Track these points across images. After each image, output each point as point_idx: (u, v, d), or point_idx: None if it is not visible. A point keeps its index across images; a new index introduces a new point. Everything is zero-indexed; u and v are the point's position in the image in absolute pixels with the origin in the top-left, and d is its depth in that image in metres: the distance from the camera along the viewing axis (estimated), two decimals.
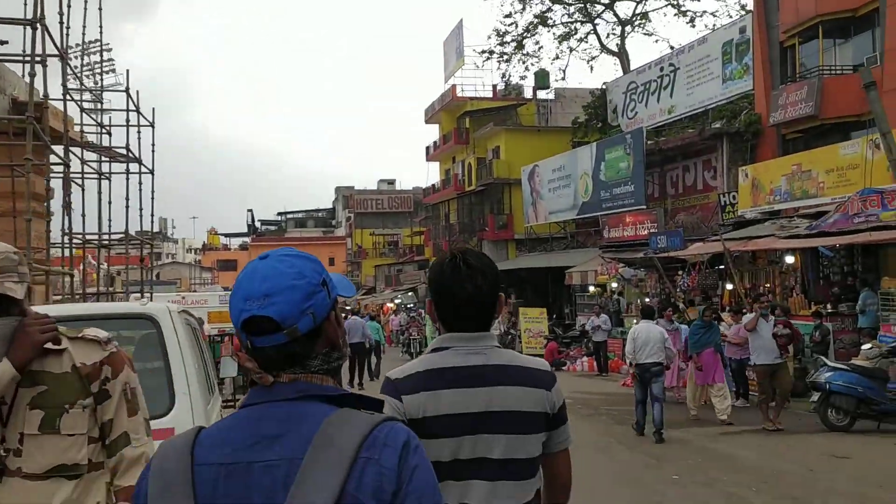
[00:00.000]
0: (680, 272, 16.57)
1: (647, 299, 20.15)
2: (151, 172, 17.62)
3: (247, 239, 76.46)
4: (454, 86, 42.84)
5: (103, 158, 15.95)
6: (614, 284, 22.66)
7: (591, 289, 25.03)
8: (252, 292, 1.35)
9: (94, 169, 16.17)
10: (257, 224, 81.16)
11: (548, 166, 32.91)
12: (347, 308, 29.57)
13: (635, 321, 13.57)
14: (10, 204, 14.36)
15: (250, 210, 77.67)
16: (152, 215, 17.24)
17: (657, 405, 10.06)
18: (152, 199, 17.42)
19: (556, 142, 35.29)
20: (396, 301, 41.87)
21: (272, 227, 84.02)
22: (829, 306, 14.54)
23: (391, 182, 68.34)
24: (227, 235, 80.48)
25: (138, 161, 16.44)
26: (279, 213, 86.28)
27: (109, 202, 15.63)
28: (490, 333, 2.13)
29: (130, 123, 15.87)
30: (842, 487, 7.26)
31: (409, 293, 42.14)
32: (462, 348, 2.05)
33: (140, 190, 16.45)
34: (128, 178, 17.22)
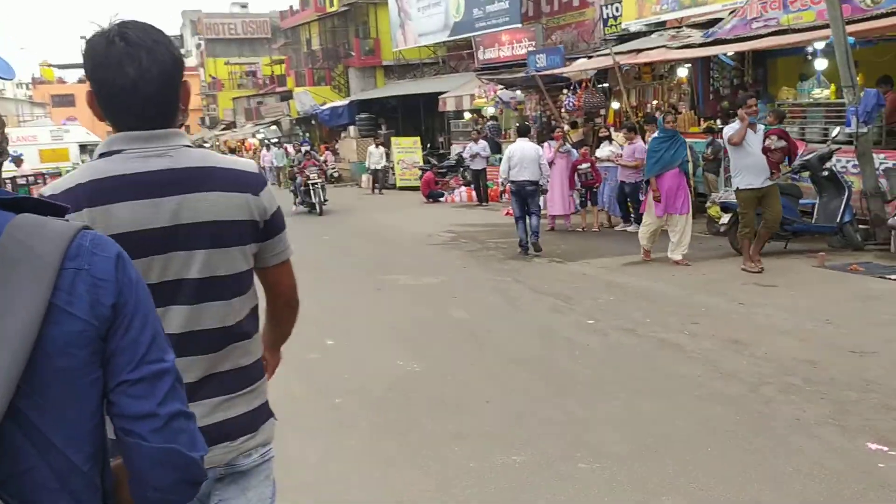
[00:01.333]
0: (565, 91, 15.10)
1: (528, 122, 18.77)
2: None
3: (83, 71, 68.74)
4: None
5: None
6: (491, 109, 21.02)
7: (467, 115, 23.37)
8: None
9: None
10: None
11: None
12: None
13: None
14: None
15: (83, 37, 68.90)
16: None
17: (534, 217, 10.30)
18: None
19: None
20: (259, 136, 38.76)
21: None
22: (719, 122, 13.53)
23: (244, 6, 62.12)
24: (61, 67, 72.05)
25: None
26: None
27: None
28: (178, 131, 1.71)
29: None
30: (784, 324, 6.24)
31: (272, 126, 39.00)
32: (138, 150, 1.63)
33: None
34: None
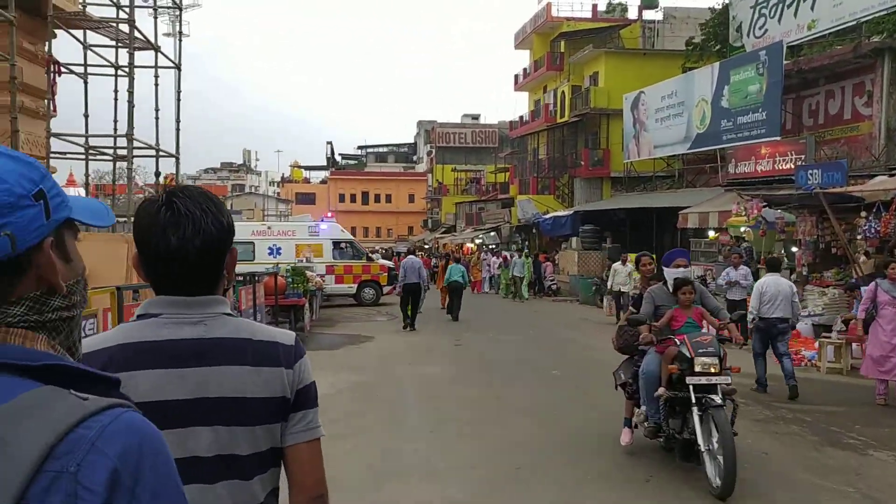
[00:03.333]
0: (863, 213, 12.07)
1: (796, 248, 15.60)
2: (177, 67, 14.07)
3: (326, 173, 74.34)
4: (549, 4, 37.85)
5: (120, 44, 12.40)
6: (742, 228, 18.07)
7: (711, 234, 20.54)
8: None
9: (107, 62, 12.75)
10: (337, 157, 79.09)
11: (656, 93, 28.18)
12: (402, 246, 26.21)
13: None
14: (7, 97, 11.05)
15: (329, 143, 74.92)
16: (178, 121, 13.77)
17: (785, 360, 9.44)
18: (178, 100, 13.95)
19: (664, 68, 30.52)
20: (477, 241, 38.10)
21: (352, 161, 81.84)
22: None
23: (475, 117, 64.07)
24: (306, 168, 78.38)
25: (153, 47, 12.86)
26: (359, 147, 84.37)
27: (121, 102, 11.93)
28: (219, 298, 1.65)
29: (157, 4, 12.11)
30: None
31: (492, 233, 38.23)
32: (174, 316, 1.58)
33: (156, 89, 12.91)
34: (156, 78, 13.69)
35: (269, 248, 21.77)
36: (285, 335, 1.71)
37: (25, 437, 0.80)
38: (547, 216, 31.35)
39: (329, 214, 28.86)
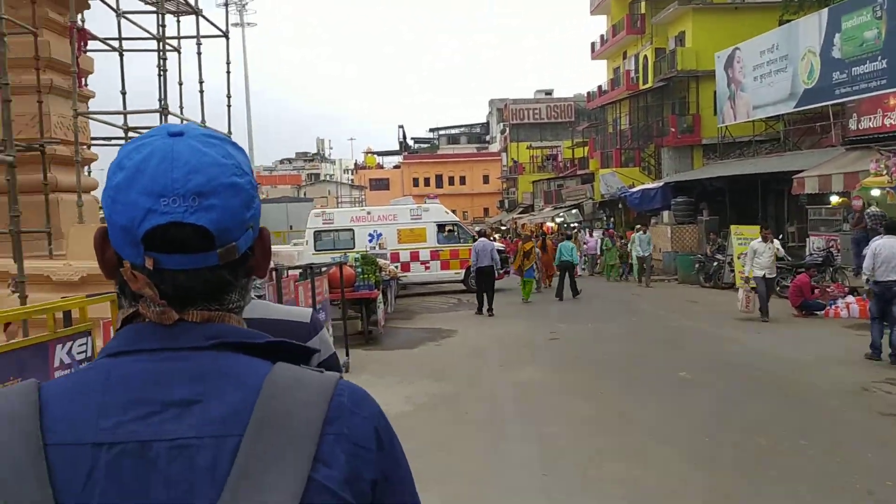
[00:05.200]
0: None
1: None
2: (225, 35, 12.35)
3: (399, 157, 73.08)
4: None
5: (157, 7, 10.75)
6: (875, 192, 15.31)
7: (834, 199, 17.78)
8: (170, 186, 0.84)
9: (147, 32, 11.17)
10: (409, 141, 77.69)
11: (754, 48, 25.27)
12: (474, 228, 24.11)
13: None
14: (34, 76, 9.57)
15: (401, 126, 73.57)
16: (228, 96, 12.07)
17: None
18: (227, 72, 12.25)
19: (758, 22, 27.57)
20: (558, 219, 35.75)
21: (424, 144, 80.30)
22: None
23: (549, 92, 61.27)
24: (379, 154, 77.25)
25: (194, 11, 11.15)
26: (431, 130, 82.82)
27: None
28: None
29: None
30: None
31: (573, 210, 35.79)
32: None
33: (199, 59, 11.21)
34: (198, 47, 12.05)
35: (370, 235, 20.24)
36: (300, 312, 1.76)
37: (305, 405, 0.86)
38: (634, 189, 28.75)
39: (432, 196, 27.22)
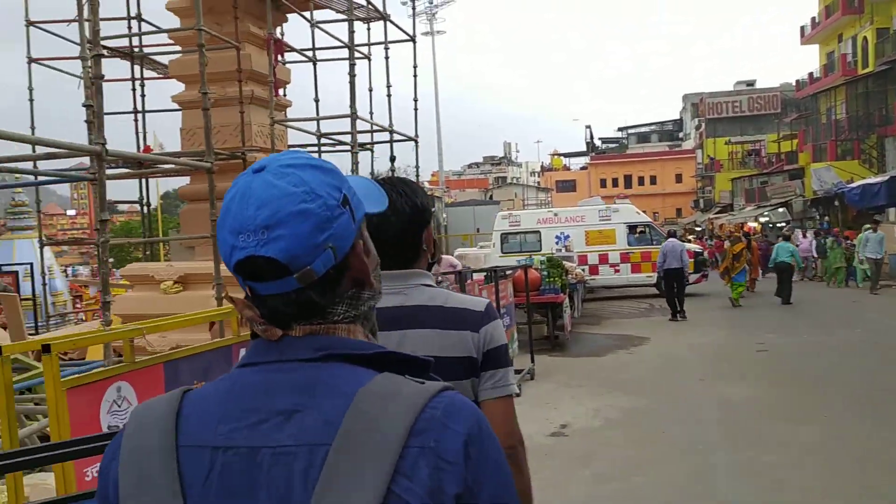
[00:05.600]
0: None
1: None
2: (412, 40, 12.41)
3: (586, 158, 71.61)
4: None
5: (355, 16, 11.00)
6: None
7: None
8: (245, 223, 0.93)
9: (339, 41, 11.47)
10: (597, 142, 75.85)
11: None
12: (664, 229, 22.37)
13: None
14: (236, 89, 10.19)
15: (588, 127, 72.01)
16: (416, 100, 12.10)
17: None
18: (415, 75, 12.28)
19: None
20: (762, 219, 32.99)
21: (612, 144, 77.99)
22: None
23: (750, 83, 57.00)
24: (565, 155, 76.19)
25: (383, 17, 11.25)
26: (619, 129, 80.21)
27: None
28: (419, 271, 1.86)
29: None
30: None
31: (780, 209, 32.83)
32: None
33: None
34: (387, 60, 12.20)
35: (557, 237, 19.79)
36: (476, 302, 1.85)
37: (389, 415, 0.87)
38: (853, 185, 25.70)
39: (622, 196, 26.35)
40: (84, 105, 6.58)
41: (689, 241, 27.96)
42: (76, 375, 2.80)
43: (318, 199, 0.93)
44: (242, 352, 4.11)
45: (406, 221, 1.79)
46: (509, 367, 1.82)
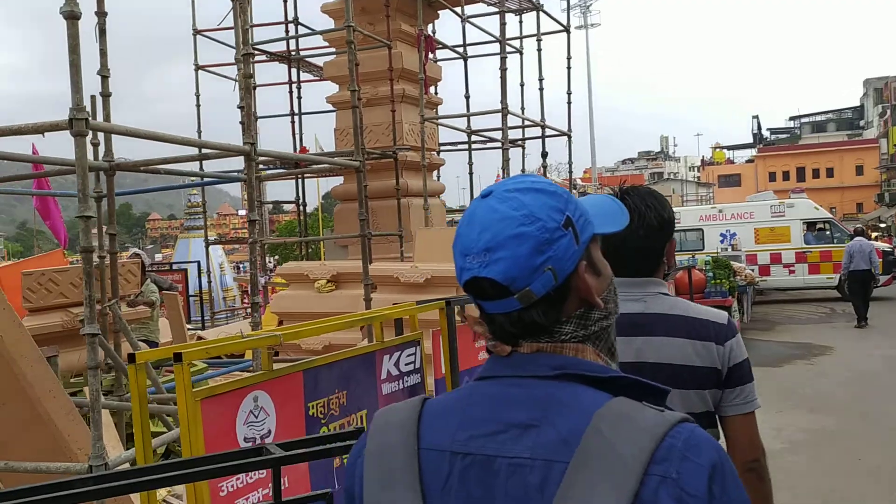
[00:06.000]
0: None
1: None
2: (566, 30, 11.85)
3: (752, 151, 67.18)
4: None
5: (506, 7, 10.65)
6: None
7: None
8: (470, 246, 0.99)
9: (491, 35, 11.14)
10: (765, 133, 70.95)
11: None
12: (848, 226, 19.96)
13: None
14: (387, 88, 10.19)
15: (755, 117, 67.58)
16: (569, 93, 11.52)
17: None
18: (568, 67, 11.70)
19: None
20: None
21: (782, 135, 72.62)
22: None
23: None
24: (729, 148, 71.89)
25: (535, 6, 10.77)
26: (791, 118, 74.48)
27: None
28: (656, 280, 1.92)
29: None
30: None
31: None
32: (620, 294, 1.46)
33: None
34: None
35: (722, 235, 18.43)
36: (717, 314, 1.88)
37: (628, 440, 0.87)
38: None
39: (798, 189, 24.29)
40: (238, 107, 6.70)
41: (875, 240, 25.29)
42: (210, 386, 2.64)
43: (537, 223, 0.96)
44: (385, 359, 3.88)
45: (653, 233, 1.86)
46: (753, 381, 1.86)
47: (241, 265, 34.00)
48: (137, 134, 3.89)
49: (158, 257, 38.16)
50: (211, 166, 9.32)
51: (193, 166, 8.69)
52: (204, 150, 4.94)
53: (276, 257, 32.91)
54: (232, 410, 2.87)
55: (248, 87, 4.82)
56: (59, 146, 5.01)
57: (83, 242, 3.35)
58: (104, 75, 4.90)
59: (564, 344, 1.00)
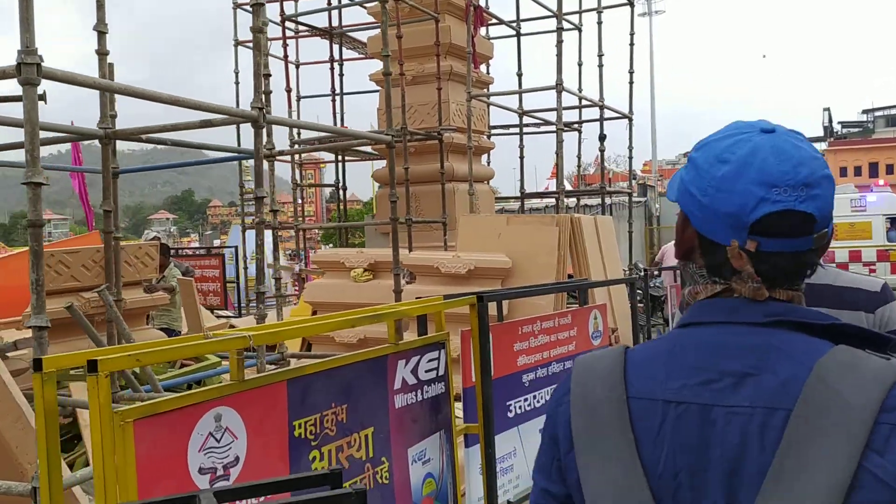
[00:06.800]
0: None
1: None
2: (630, 3, 10.88)
3: (822, 144, 64.61)
4: None
5: None
6: None
7: None
8: (783, 178, 0.95)
9: (548, 9, 10.30)
10: (835, 126, 68.09)
11: None
12: None
13: None
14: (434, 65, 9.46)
15: (826, 109, 64.70)
16: (630, 72, 10.58)
17: None
18: (631, 43, 10.72)
19: None
20: None
21: (854, 129, 69.65)
22: None
23: None
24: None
25: None
26: (864, 111, 71.29)
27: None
28: None
29: None
30: None
31: None
32: None
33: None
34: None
35: None
36: (870, 282, 1.86)
37: (855, 389, 0.86)
38: None
39: (881, 182, 22.73)
40: (263, 75, 6.08)
41: None
42: (150, 402, 1.99)
43: (828, 169, 0.97)
44: (401, 365, 3.12)
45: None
46: None
47: (290, 252, 33.90)
48: (114, 89, 3.28)
49: (217, 243, 38.51)
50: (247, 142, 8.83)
51: (212, 137, 8.14)
52: (210, 118, 4.33)
53: (330, 244, 32.71)
54: (182, 435, 2.18)
55: (258, 42, 4.17)
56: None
57: (30, 215, 2.76)
58: (101, 31, 4.34)
59: (800, 292, 1.01)
